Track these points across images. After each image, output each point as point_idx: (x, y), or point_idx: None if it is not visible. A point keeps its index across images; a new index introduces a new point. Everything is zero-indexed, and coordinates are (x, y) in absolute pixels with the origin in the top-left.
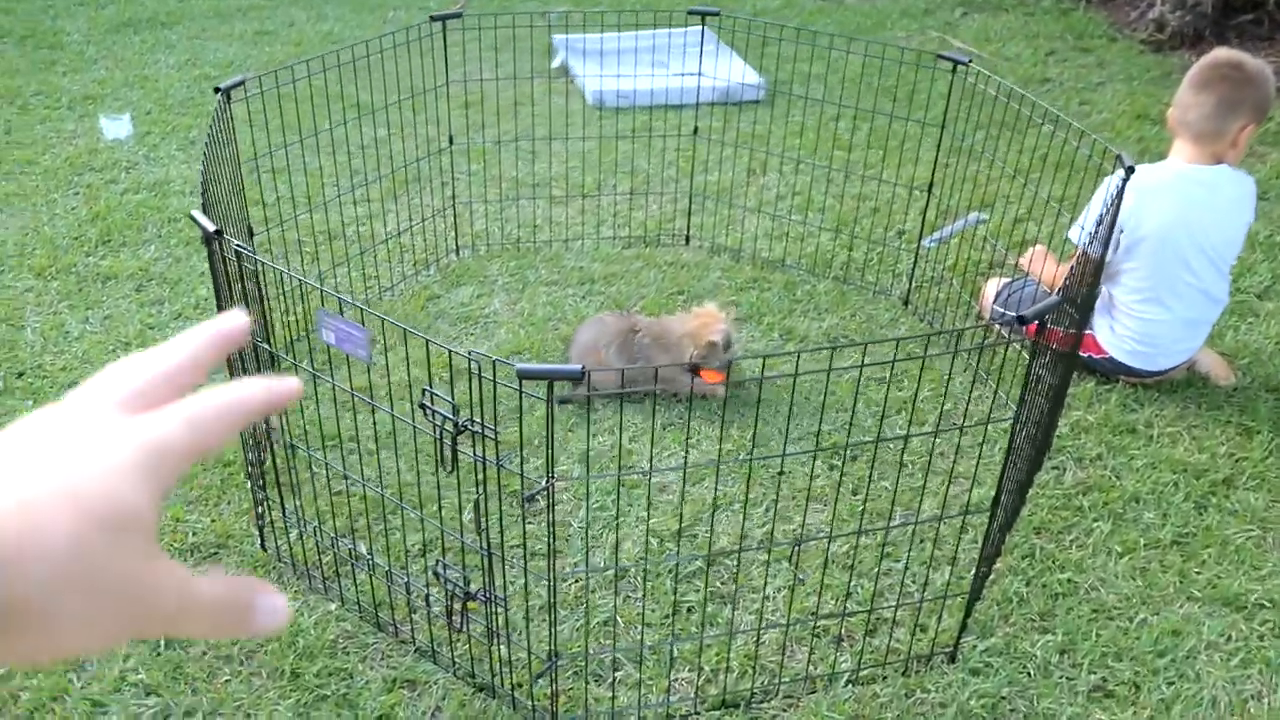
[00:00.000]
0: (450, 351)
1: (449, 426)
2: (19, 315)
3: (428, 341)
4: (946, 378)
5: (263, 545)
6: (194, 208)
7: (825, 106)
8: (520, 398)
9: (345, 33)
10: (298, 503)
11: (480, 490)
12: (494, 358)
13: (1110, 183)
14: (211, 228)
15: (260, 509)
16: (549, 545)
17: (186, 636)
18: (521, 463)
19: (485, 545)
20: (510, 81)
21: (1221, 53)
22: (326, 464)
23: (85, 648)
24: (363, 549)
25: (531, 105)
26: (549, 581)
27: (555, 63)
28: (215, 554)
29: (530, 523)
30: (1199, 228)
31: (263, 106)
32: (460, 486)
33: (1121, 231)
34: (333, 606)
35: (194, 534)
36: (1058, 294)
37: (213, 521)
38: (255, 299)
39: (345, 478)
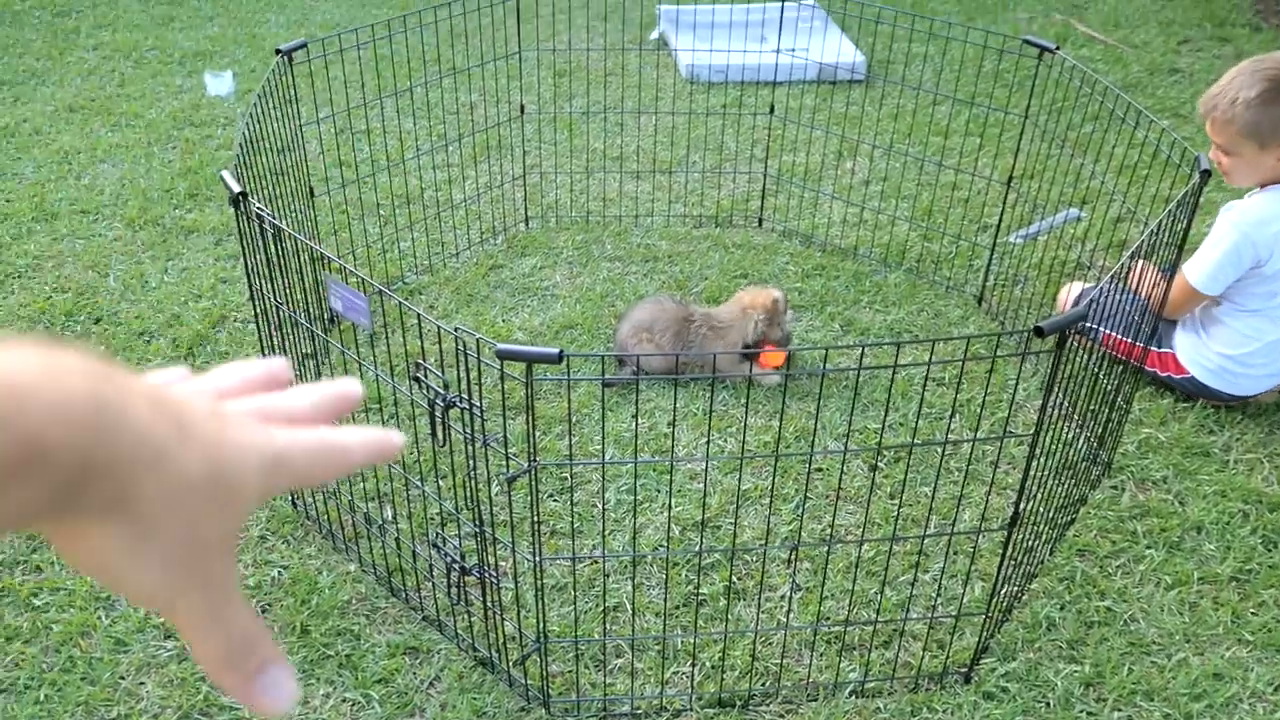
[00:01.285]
0: (439, 328)
1: (439, 401)
2: (105, 263)
3: (419, 316)
4: (985, 381)
5: (293, 503)
6: (280, 167)
7: (930, 91)
8: (502, 378)
9: None
10: None
11: (470, 466)
12: (477, 335)
13: (1236, 230)
14: (237, 189)
15: None
16: (533, 528)
17: (196, 646)
18: (506, 442)
19: (477, 521)
20: (607, 52)
21: (1263, 60)
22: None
23: (142, 582)
24: (388, 514)
25: (630, 77)
26: (535, 563)
27: (654, 34)
28: None
29: (555, 501)
30: None
31: (359, 67)
32: (477, 462)
33: (1258, 266)
34: (351, 568)
35: None
36: (1087, 307)
37: None
38: (284, 261)
39: None
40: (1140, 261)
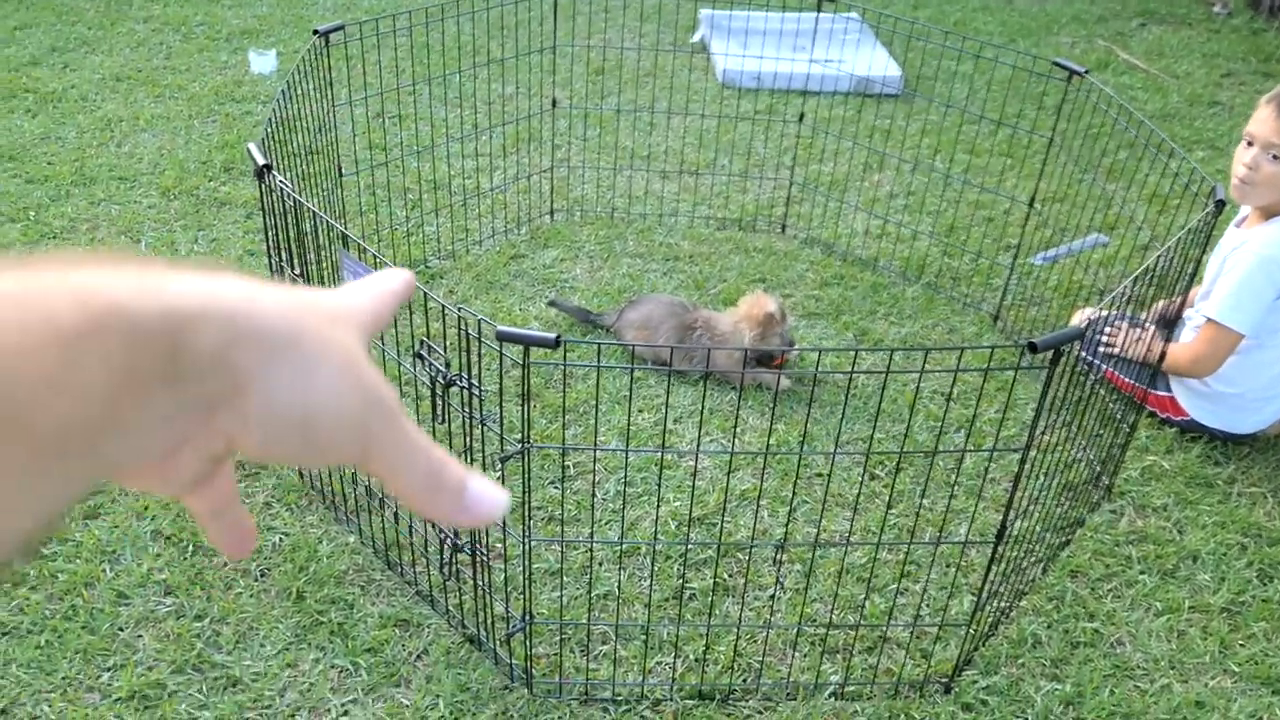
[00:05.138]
0: (443, 306)
1: (439, 379)
2: (138, 229)
3: (425, 294)
4: (972, 396)
5: (300, 473)
6: (315, 146)
7: (961, 108)
8: (500, 359)
9: None
10: None
11: (466, 444)
12: (480, 316)
13: (1259, 259)
14: (262, 161)
15: None
16: (524, 509)
17: (396, 484)
18: (502, 422)
19: None
20: (645, 52)
21: None
22: None
23: (330, 421)
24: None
25: (667, 78)
26: (524, 543)
27: (695, 37)
28: (257, 474)
29: (555, 488)
30: None
31: (398, 54)
32: (473, 441)
33: None
34: (351, 539)
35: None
36: (1085, 325)
37: None
38: (305, 238)
39: None
40: (1129, 327)
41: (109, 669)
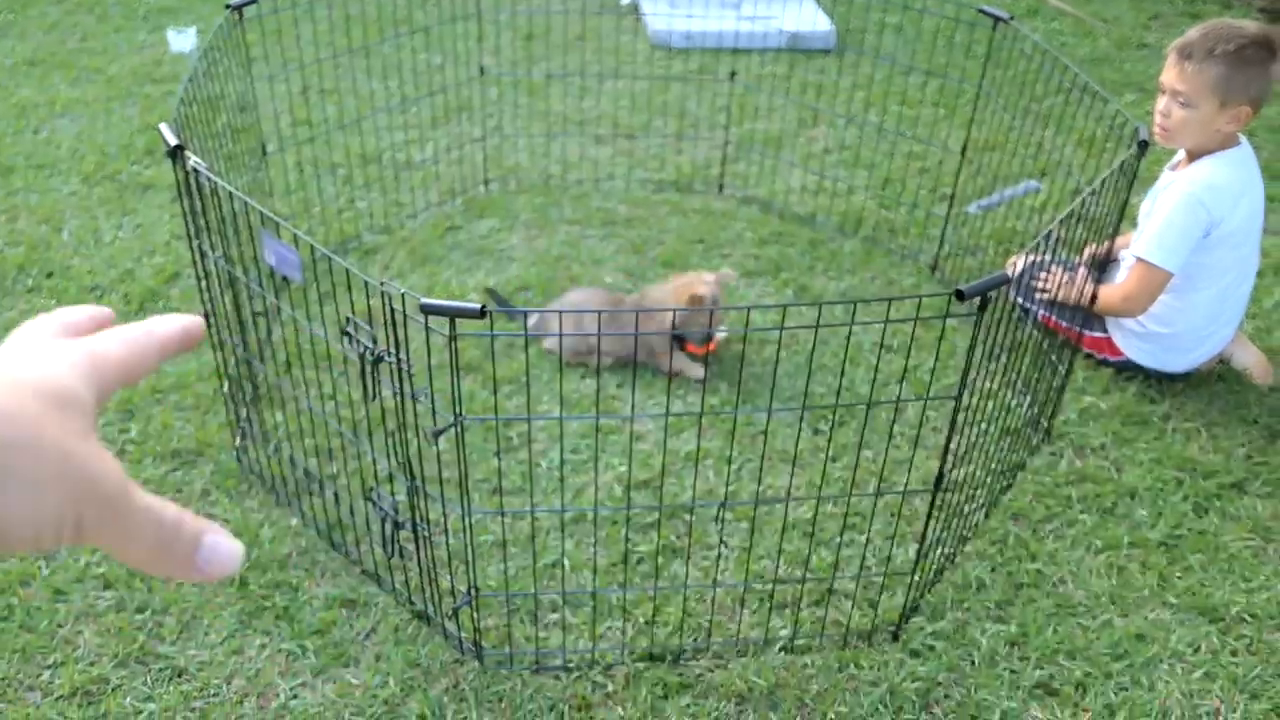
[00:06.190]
0: (365, 282)
1: (368, 356)
2: (59, 217)
3: (347, 270)
4: (913, 347)
5: (238, 457)
6: (239, 124)
7: (892, 61)
8: (426, 331)
9: None
10: (281, 417)
11: (398, 420)
12: (403, 290)
13: (1188, 197)
14: (174, 141)
15: (243, 425)
16: (461, 483)
17: (123, 555)
18: (433, 396)
19: (408, 477)
20: (573, 15)
21: (1233, 21)
22: (305, 383)
23: (26, 527)
24: (333, 469)
25: (598, 41)
26: (464, 516)
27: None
28: (194, 461)
29: (497, 458)
30: (1261, 205)
31: (317, 27)
32: (406, 416)
33: (1208, 235)
34: (293, 522)
35: (178, 439)
36: (1010, 271)
37: (197, 429)
38: (231, 220)
39: (311, 399)
40: (1062, 271)
41: (49, 666)
